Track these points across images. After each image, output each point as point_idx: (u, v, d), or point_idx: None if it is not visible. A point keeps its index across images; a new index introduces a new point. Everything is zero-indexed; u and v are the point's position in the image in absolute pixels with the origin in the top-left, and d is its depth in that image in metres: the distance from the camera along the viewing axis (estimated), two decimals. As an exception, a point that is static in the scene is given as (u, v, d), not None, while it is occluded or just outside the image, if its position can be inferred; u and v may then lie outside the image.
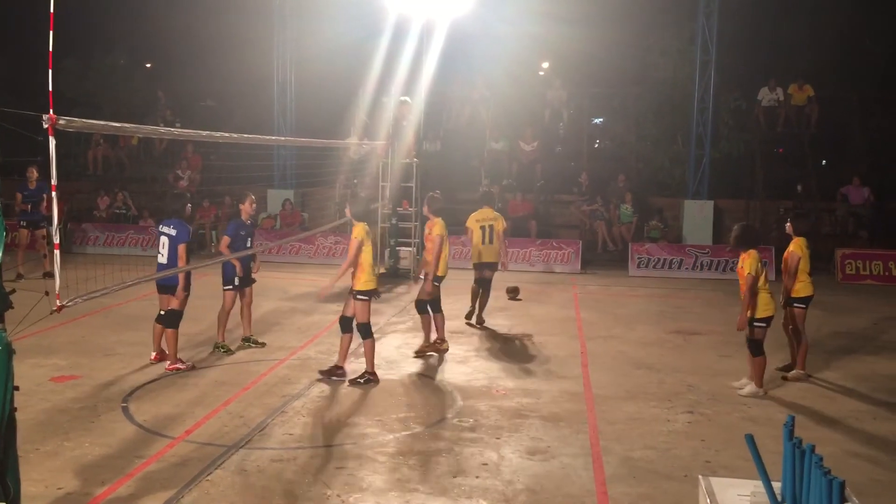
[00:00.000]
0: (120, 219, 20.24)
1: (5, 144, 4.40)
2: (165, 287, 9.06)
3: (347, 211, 9.35)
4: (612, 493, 5.98)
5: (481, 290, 11.98)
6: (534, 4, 19.50)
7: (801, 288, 9.12)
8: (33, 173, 14.60)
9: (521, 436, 7.16)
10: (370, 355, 8.77)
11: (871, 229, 18.25)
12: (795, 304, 9.16)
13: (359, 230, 8.67)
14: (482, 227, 11.83)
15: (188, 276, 9.08)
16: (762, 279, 8.39)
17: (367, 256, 8.66)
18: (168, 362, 9.09)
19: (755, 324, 8.47)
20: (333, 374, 8.78)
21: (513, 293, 14.02)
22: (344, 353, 8.84)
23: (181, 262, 8.89)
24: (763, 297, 8.39)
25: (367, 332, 8.73)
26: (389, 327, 11.56)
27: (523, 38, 20.40)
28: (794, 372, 9.23)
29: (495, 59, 20.89)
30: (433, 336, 10.14)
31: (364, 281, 8.64)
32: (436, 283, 10.12)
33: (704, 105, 18.72)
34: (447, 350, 10.11)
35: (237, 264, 9.73)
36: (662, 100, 20.18)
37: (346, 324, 8.78)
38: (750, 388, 8.53)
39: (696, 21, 18.70)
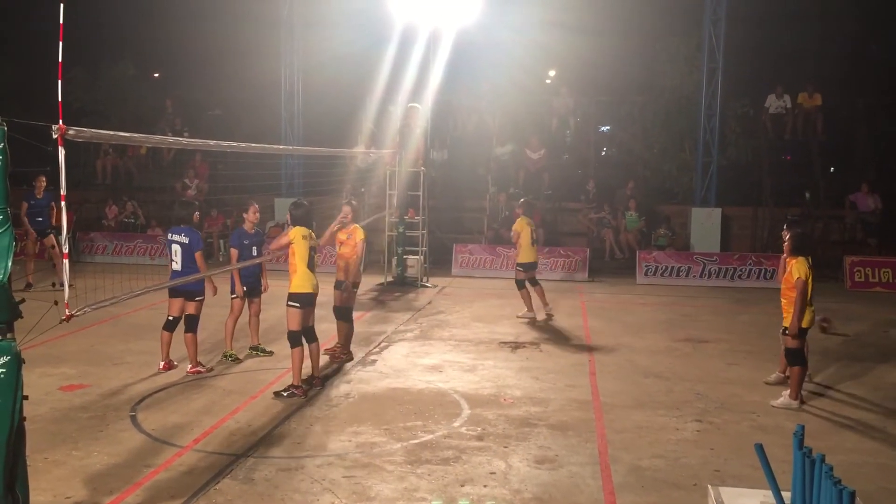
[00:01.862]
0: (128, 228, 20.32)
1: (14, 155, 4.42)
2: (180, 291, 9.15)
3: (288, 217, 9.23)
4: (621, 502, 5.95)
5: (533, 287, 13.03)
6: (540, 13, 19.56)
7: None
8: (42, 182, 14.66)
9: (529, 444, 7.14)
10: (297, 365, 8.48)
11: (879, 236, 18.18)
12: None
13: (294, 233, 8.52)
14: (532, 229, 13.00)
15: (209, 279, 9.28)
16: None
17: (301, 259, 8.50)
18: (189, 366, 9.27)
19: (787, 332, 8.43)
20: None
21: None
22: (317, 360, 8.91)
23: (203, 269, 9.11)
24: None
25: (296, 340, 8.52)
26: (397, 335, 11.57)
27: (530, 47, 20.45)
28: (774, 375, 9.24)
29: (502, 67, 20.93)
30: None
31: (295, 285, 8.51)
32: (354, 290, 10.09)
33: (712, 112, 18.70)
34: (349, 360, 9.99)
35: (237, 281, 9.80)
36: (669, 107, 20.19)
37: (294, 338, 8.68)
38: (783, 399, 8.40)
39: (702, 28, 18.72)
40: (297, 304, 8.51)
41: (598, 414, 8.06)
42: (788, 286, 8.50)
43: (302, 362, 8.52)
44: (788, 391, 8.42)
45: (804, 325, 8.35)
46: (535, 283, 13.10)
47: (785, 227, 9.27)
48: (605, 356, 10.51)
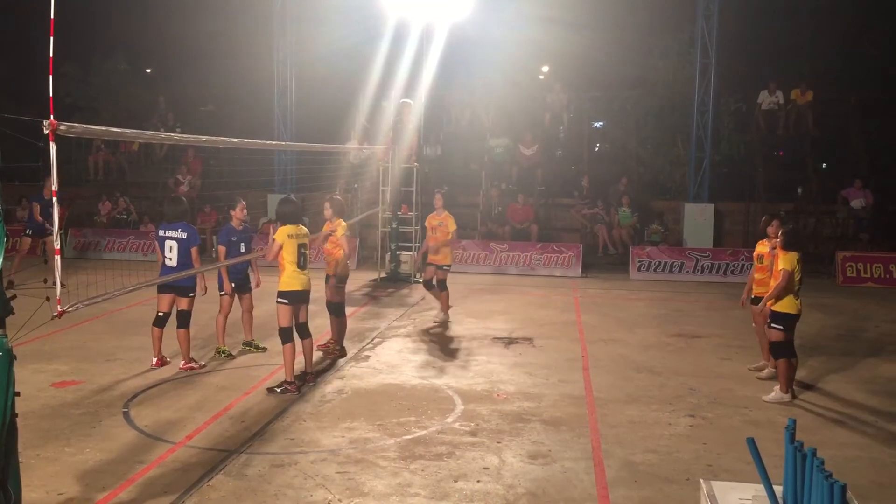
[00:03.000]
0: (121, 224, 20.27)
1: (5, 150, 4.40)
2: (171, 287, 9.13)
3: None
4: (614, 496, 5.96)
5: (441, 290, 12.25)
6: (533, 9, 19.57)
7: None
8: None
9: (523, 440, 7.15)
10: (290, 362, 8.47)
11: (871, 232, 18.25)
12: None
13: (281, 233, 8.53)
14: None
15: (201, 276, 9.28)
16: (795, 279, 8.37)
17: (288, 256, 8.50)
18: (182, 362, 9.25)
19: (772, 325, 8.46)
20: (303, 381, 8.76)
21: None
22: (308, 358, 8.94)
23: (197, 265, 9.08)
24: (788, 297, 8.38)
25: (287, 336, 8.52)
26: (390, 331, 11.57)
27: (523, 43, 20.44)
28: (766, 371, 9.27)
29: (495, 62, 20.94)
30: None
31: (283, 283, 8.53)
32: (341, 285, 10.05)
33: (704, 108, 18.74)
34: (342, 356, 9.98)
35: (225, 278, 9.80)
36: (662, 103, 20.22)
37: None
38: (774, 394, 8.41)
39: (695, 24, 18.73)
40: (286, 301, 8.52)
41: (592, 409, 8.07)
42: (776, 278, 8.54)
43: (294, 358, 8.51)
44: (779, 385, 8.45)
45: (793, 311, 8.39)
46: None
47: (767, 217, 9.34)
48: (598, 351, 10.52)
